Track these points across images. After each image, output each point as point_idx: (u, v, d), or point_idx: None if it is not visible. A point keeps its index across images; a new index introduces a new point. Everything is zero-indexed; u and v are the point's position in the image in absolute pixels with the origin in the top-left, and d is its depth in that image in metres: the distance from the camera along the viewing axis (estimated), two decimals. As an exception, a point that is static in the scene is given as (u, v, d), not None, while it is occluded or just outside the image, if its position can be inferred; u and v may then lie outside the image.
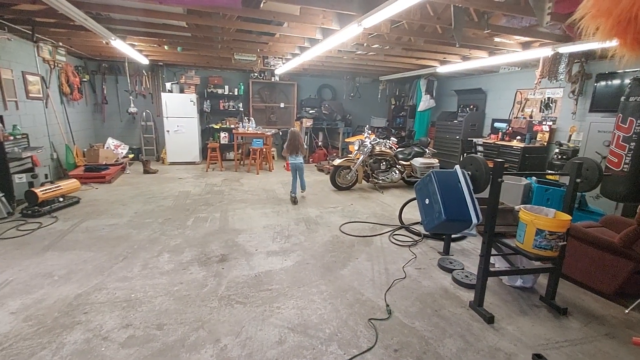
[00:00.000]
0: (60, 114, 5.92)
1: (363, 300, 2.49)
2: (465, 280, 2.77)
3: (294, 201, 4.85)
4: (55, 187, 4.27)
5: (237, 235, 3.62)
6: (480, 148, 6.24)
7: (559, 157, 4.94)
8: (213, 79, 8.13)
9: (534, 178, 4.22)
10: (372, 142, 5.60)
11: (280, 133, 8.57)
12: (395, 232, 3.85)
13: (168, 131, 7.34)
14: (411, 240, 3.66)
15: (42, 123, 5.35)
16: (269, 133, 7.15)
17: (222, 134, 8.05)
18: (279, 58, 6.58)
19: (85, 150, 6.51)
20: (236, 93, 8.27)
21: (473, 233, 2.33)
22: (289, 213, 4.42)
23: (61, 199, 4.32)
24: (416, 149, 5.97)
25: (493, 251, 2.45)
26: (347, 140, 7.07)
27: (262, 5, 3.47)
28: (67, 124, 6.17)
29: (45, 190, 4.12)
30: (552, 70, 4.87)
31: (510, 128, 6.17)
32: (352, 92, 9.15)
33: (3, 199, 3.88)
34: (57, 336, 1.99)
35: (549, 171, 4.72)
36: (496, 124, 6.65)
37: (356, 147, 5.64)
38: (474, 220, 2.15)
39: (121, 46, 4.95)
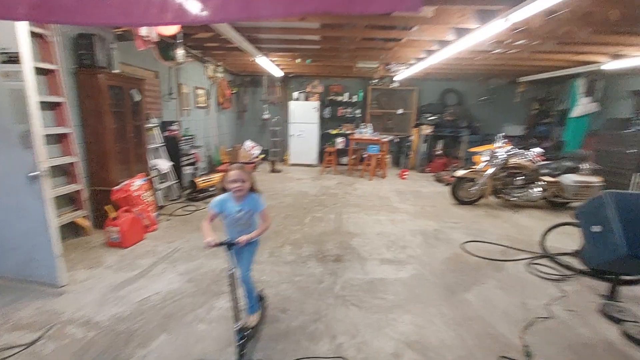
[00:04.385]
0: (215, 119, 7.27)
1: (493, 334, 2.16)
2: (645, 338, 2.08)
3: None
4: (209, 178, 5.24)
5: (351, 239, 3.68)
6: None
7: None
8: (334, 87, 8.60)
9: None
10: (507, 153, 4.86)
11: (397, 140, 8.39)
12: (536, 261, 3.22)
13: (292, 135, 8.12)
14: (559, 274, 2.99)
15: (202, 127, 6.68)
16: (385, 139, 7.09)
17: (339, 139, 8.42)
18: (401, 64, 6.46)
19: (229, 149, 7.82)
20: (354, 100, 8.52)
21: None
22: (404, 223, 4.24)
23: (212, 189, 5.27)
24: (567, 164, 4.88)
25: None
26: (472, 150, 6.37)
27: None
28: (218, 128, 7.54)
29: (202, 180, 5.11)
30: None
31: None
32: (482, 96, 8.22)
33: (177, 185, 4.99)
34: (209, 299, 2.44)
35: None
36: (699, 135, 4.86)
37: (485, 158, 5.00)
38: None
39: (263, 62, 5.75)
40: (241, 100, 8.95)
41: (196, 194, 4.97)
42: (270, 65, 6.29)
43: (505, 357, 1.94)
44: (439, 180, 6.73)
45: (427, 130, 7.63)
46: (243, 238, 1.81)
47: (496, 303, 2.51)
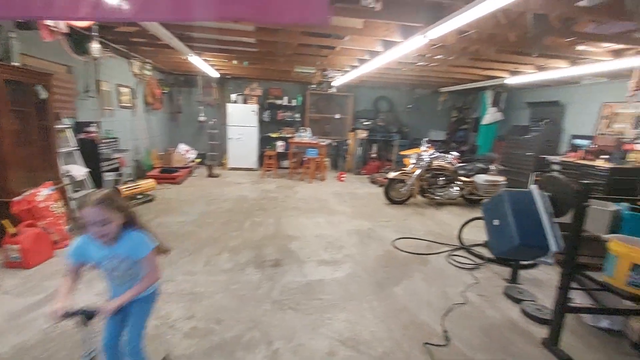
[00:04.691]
0: (143, 121, 6.70)
1: (418, 323, 2.36)
2: (538, 313, 2.47)
3: None
4: (135, 185, 4.81)
5: (290, 242, 3.70)
6: (556, 167, 5.62)
7: (659, 181, 4.23)
8: (273, 90, 8.57)
9: (624, 204, 3.66)
10: (431, 156, 5.37)
11: (335, 144, 8.67)
12: (454, 253, 3.61)
13: (231, 138, 7.87)
14: (472, 263, 3.39)
15: (128, 129, 6.11)
16: (323, 143, 7.28)
17: (279, 143, 8.40)
18: (337, 70, 6.71)
19: (161, 153, 7.27)
20: (294, 104, 8.60)
21: (549, 261, 2.08)
22: (342, 224, 4.41)
23: (139, 196, 4.85)
24: (479, 165, 5.58)
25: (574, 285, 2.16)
26: (402, 153, 6.88)
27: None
28: (148, 130, 6.96)
29: (127, 187, 4.67)
30: (650, 81, 4.23)
31: (595, 145, 5.46)
32: (410, 104, 8.93)
33: (95, 193, 4.48)
34: (132, 320, 2.22)
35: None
36: (576, 141, 5.94)
37: (413, 161, 5.45)
38: (554, 248, 1.92)
39: (197, 61, 5.49)
40: (175, 100, 8.40)
41: (120, 203, 4.52)
42: (204, 66, 6.02)
43: (428, 344, 2.14)
44: (374, 181, 7.13)
45: (362, 134, 8.02)
46: (110, 305, 1.28)
47: (421, 294, 2.75)
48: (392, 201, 5.47)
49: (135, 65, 6.13)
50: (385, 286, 2.85)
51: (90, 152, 4.44)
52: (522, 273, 3.19)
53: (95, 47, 3.65)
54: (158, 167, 6.77)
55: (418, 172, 5.26)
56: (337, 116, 8.82)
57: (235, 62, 6.16)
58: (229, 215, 4.52)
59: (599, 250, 2.26)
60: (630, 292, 1.89)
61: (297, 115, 8.65)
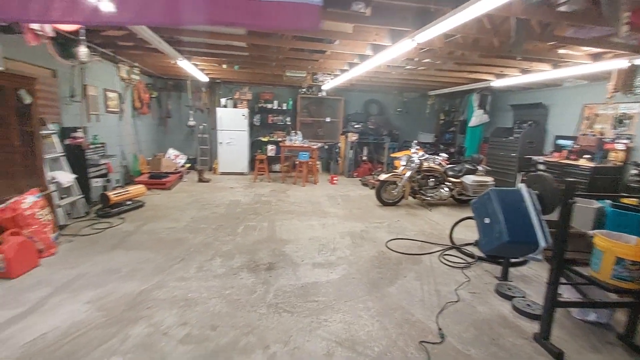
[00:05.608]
0: (131, 126, 6.60)
1: (413, 321, 2.39)
2: (528, 309, 2.53)
3: None
4: (125, 191, 4.73)
5: (284, 245, 3.69)
6: (541, 167, 5.78)
7: (638, 179, 4.40)
8: (264, 94, 8.56)
9: (607, 201, 3.79)
10: (420, 158, 5.46)
11: (326, 147, 8.71)
12: (446, 252, 3.67)
13: (221, 143, 7.82)
14: (464, 261, 3.45)
15: (116, 134, 6.01)
16: (315, 146, 7.30)
17: (270, 147, 8.39)
18: (327, 74, 6.77)
19: (149, 159, 7.16)
20: (285, 108, 8.61)
21: (538, 258, 2.14)
22: (335, 226, 4.42)
23: (129, 203, 4.76)
24: (467, 166, 5.69)
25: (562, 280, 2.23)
26: (393, 155, 6.97)
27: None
28: (136, 135, 6.86)
29: (116, 193, 4.58)
30: (627, 83, 4.41)
31: (578, 145, 5.64)
32: (399, 107, 9.06)
33: (83, 200, 4.38)
34: (124, 328, 2.17)
35: (627, 194, 4.21)
36: (560, 141, 6.13)
37: (403, 163, 5.52)
38: (542, 244, 1.98)
39: (186, 65, 5.46)
40: (163, 105, 8.31)
41: (109, 209, 4.43)
42: (194, 70, 5.99)
43: (424, 342, 2.16)
44: (365, 184, 7.18)
45: (353, 137, 8.09)
46: None
47: (414, 293, 2.78)
48: (384, 203, 5.53)
49: (122, 70, 6.04)
50: (380, 286, 2.87)
51: (77, 158, 4.35)
52: (512, 270, 3.27)
53: (83, 51, 3.59)
54: (146, 173, 6.66)
55: (409, 173, 5.33)
56: (328, 119, 8.87)
57: (225, 66, 6.14)
58: (222, 220, 4.48)
59: (585, 246, 2.33)
60: (614, 285, 1.96)
61: (288, 119, 8.66)
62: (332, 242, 3.86)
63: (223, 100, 8.04)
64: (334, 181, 7.38)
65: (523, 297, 2.77)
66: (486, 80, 6.29)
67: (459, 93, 8.07)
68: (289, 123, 8.65)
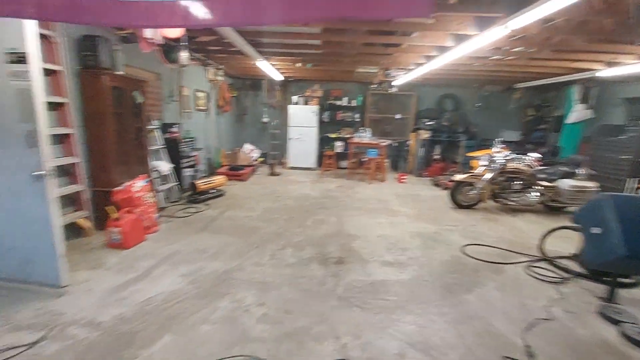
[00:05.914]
0: (214, 122, 7.29)
1: (494, 333, 2.19)
2: (642, 338, 2.12)
3: None
4: (209, 181, 5.25)
5: (352, 241, 3.70)
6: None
7: None
8: (333, 91, 8.67)
9: None
10: (505, 158, 4.93)
11: (396, 144, 8.46)
12: (534, 264, 3.27)
13: (291, 138, 8.16)
14: (557, 276, 3.03)
15: (202, 129, 6.69)
16: (383, 144, 7.15)
17: (338, 143, 8.47)
18: (400, 69, 6.54)
19: (228, 152, 7.83)
20: (354, 104, 8.60)
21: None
22: (404, 225, 4.28)
23: (212, 191, 5.28)
24: (563, 169, 4.96)
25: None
26: (469, 154, 6.43)
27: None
28: (218, 131, 7.56)
29: (203, 182, 5.11)
30: None
31: None
32: (478, 102, 8.33)
33: (177, 186, 5.00)
34: (212, 301, 2.43)
35: None
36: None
37: (483, 163, 5.06)
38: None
39: (264, 66, 5.81)
40: (241, 103, 8.99)
41: (196, 196, 4.97)
42: (270, 69, 6.34)
43: (508, 357, 1.97)
44: (437, 184, 6.79)
45: (425, 135, 7.70)
46: None
47: (495, 304, 2.54)
48: (459, 205, 5.15)
49: (210, 72, 6.69)
50: (455, 292, 2.69)
51: (173, 150, 4.96)
52: (622, 292, 2.76)
53: (184, 55, 4.07)
54: (226, 165, 7.30)
55: (490, 174, 4.87)
56: (398, 116, 8.60)
57: (299, 64, 6.37)
58: (292, 212, 4.68)
59: None
60: None
61: (357, 115, 8.63)
62: (402, 241, 3.74)
63: (295, 98, 8.36)
64: (403, 180, 7.13)
65: (634, 323, 2.33)
66: (591, 69, 5.40)
67: (553, 85, 7.07)
68: (357, 120, 8.61)
